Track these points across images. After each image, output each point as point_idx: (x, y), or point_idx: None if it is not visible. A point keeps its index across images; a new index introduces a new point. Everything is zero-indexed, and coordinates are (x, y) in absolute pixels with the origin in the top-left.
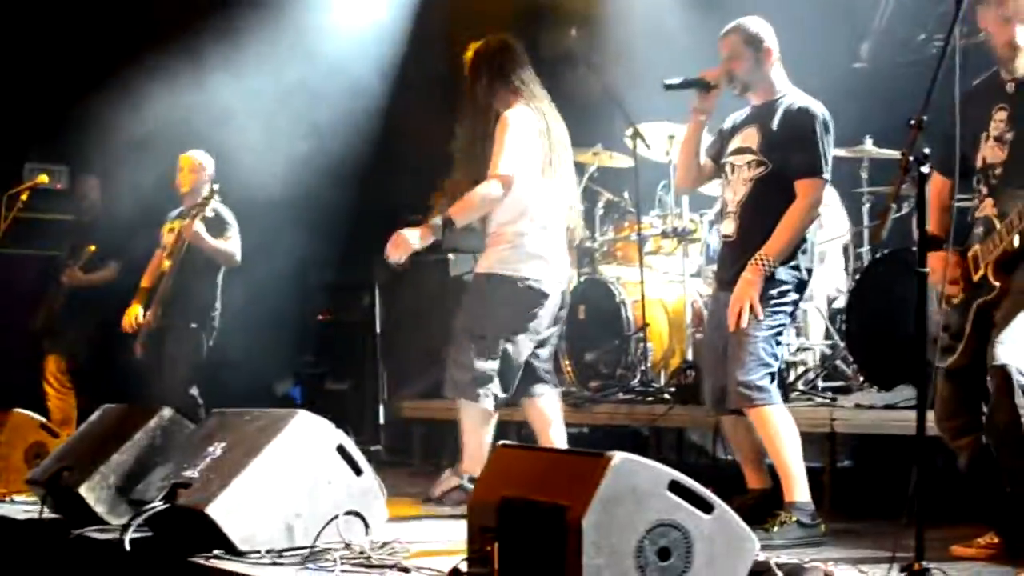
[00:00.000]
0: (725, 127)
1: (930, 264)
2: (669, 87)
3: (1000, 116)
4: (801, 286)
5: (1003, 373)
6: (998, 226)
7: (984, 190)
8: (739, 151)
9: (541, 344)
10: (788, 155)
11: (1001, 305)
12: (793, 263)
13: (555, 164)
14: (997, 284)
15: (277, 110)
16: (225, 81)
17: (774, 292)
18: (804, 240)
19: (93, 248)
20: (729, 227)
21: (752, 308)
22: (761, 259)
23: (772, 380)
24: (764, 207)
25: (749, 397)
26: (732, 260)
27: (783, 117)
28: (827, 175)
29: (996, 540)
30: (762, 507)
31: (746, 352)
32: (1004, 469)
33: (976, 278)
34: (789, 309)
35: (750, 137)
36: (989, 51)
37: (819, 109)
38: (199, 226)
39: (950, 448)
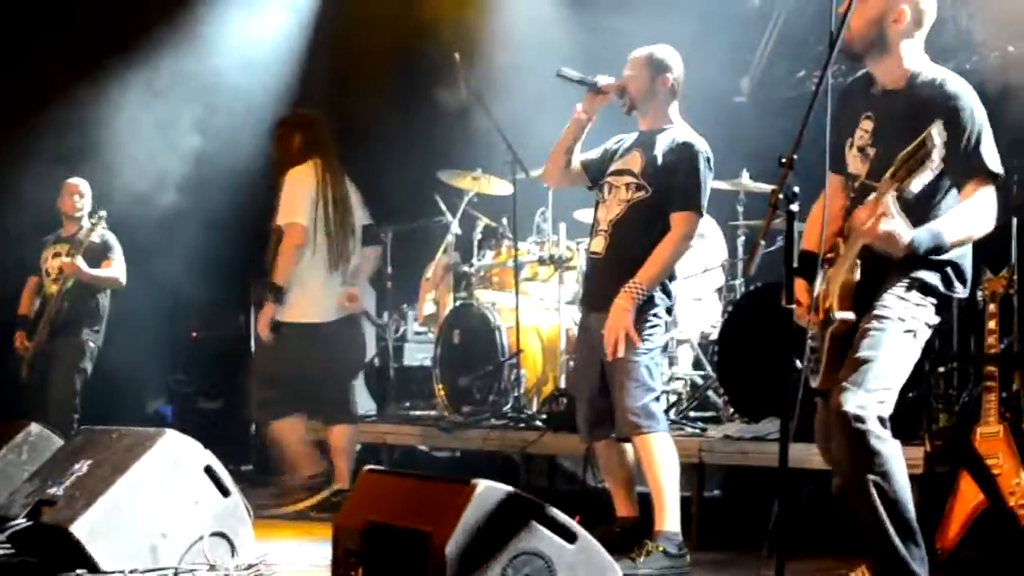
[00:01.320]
0: (609, 146)
1: (797, 296)
2: (561, 76)
3: (865, 125)
4: (669, 312)
5: (844, 418)
6: (842, 249)
7: (847, 200)
8: (619, 172)
9: None
10: (668, 185)
11: (847, 338)
12: (663, 289)
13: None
14: (839, 317)
15: (160, 126)
16: (111, 96)
17: (648, 315)
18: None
19: None
20: (599, 244)
21: (628, 335)
22: (634, 287)
23: (658, 403)
24: (636, 229)
25: (638, 425)
26: (598, 278)
27: (668, 147)
28: (703, 210)
29: (868, 574)
30: (630, 535)
31: (630, 378)
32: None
33: (826, 306)
34: (662, 330)
35: (632, 161)
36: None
37: (703, 146)
38: (80, 262)
39: (827, 472)
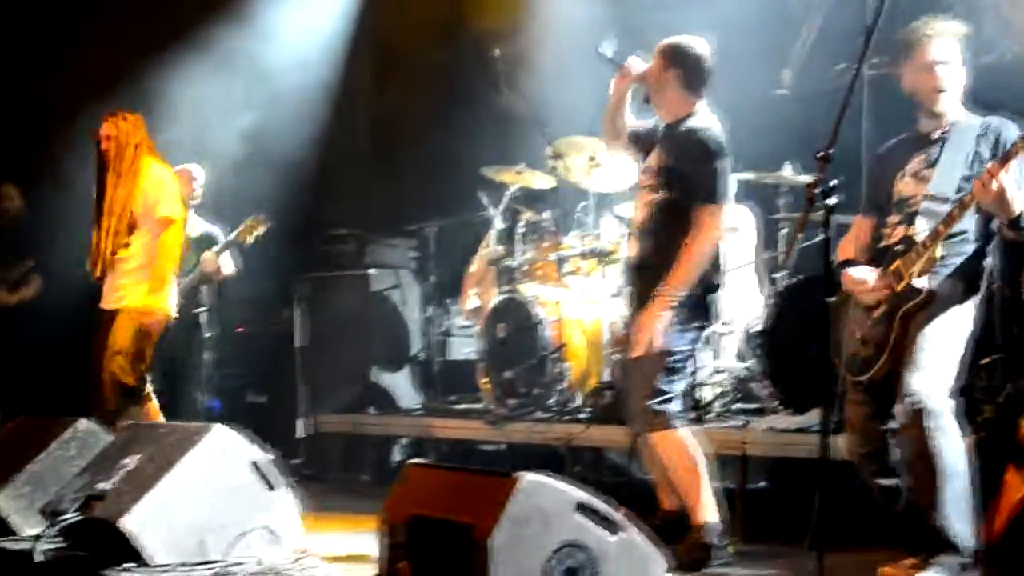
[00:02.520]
0: (655, 126)
1: (857, 278)
2: (600, 53)
3: (920, 157)
4: (708, 313)
5: (915, 401)
6: (918, 241)
7: (897, 219)
8: (646, 171)
9: None
10: (683, 182)
11: (918, 315)
12: (697, 289)
13: None
14: (923, 287)
15: (211, 119)
16: (155, 87)
17: (680, 319)
18: (714, 272)
19: (31, 263)
20: (632, 249)
21: (653, 340)
22: (665, 291)
23: (671, 404)
24: (660, 233)
25: (650, 422)
26: (636, 281)
27: (679, 143)
28: (724, 200)
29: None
30: (674, 527)
31: (647, 377)
32: (909, 484)
33: (899, 288)
34: (693, 335)
35: (653, 159)
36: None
37: (714, 131)
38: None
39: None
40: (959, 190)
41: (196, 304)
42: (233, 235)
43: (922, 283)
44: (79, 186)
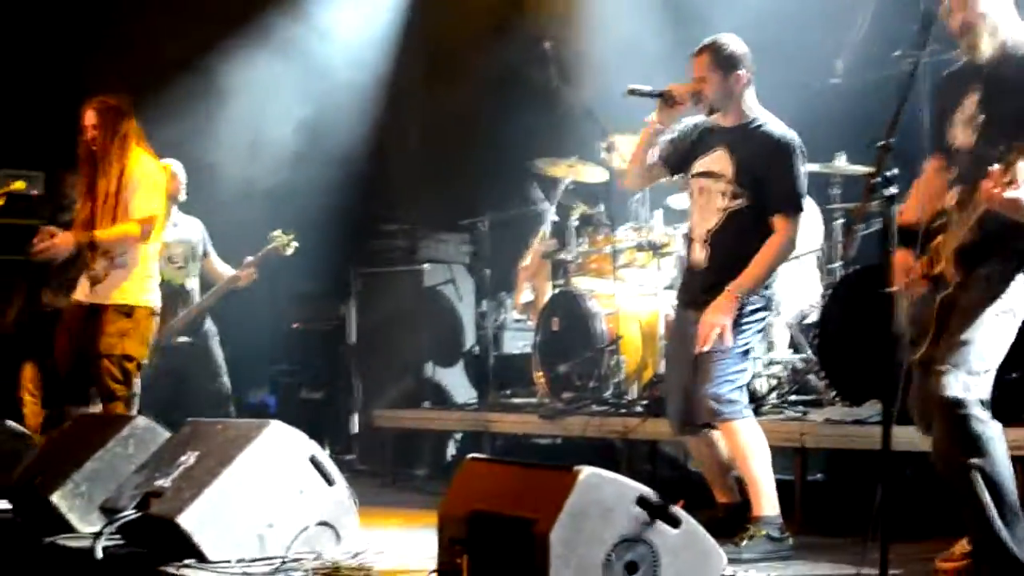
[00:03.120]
0: (685, 133)
1: (898, 267)
2: (633, 93)
3: (972, 98)
4: (768, 303)
5: (945, 402)
6: (955, 217)
7: (952, 174)
8: (709, 175)
9: None
10: (765, 189)
11: (958, 304)
12: (765, 286)
13: None
14: (955, 279)
15: (266, 111)
16: (211, 78)
17: (744, 311)
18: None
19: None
20: (700, 255)
21: (722, 335)
22: (736, 288)
23: (741, 393)
24: (739, 240)
25: (718, 411)
26: (700, 283)
27: (760, 148)
28: (804, 207)
29: (971, 548)
30: (732, 521)
31: (714, 369)
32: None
33: (936, 271)
34: (758, 327)
35: (721, 162)
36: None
37: (795, 139)
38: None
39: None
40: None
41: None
42: (270, 247)
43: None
44: None
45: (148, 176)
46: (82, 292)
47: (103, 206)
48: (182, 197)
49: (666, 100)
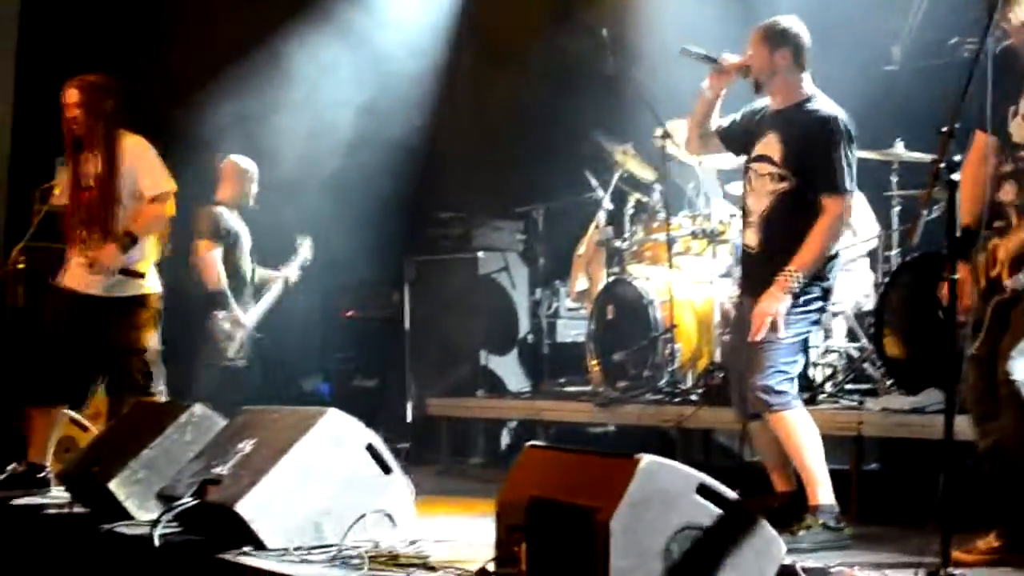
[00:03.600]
0: (745, 116)
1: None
2: (685, 53)
3: None
4: (826, 293)
5: (1014, 387)
6: (1013, 219)
7: (1007, 169)
8: (760, 159)
9: None
10: (811, 171)
11: (1018, 305)
12: (819, 273)
13: None
14: (1008, 284)
15: (325, 96)
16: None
17: (800, 301)
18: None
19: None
20: (752, 238)
21: (775, 323)
22: (788, 274)
23: (791, 384)
24: (788, 222)
25: (767, 402)
26: (755, 269)
27: (804, 130)
28: (852, 187)
29: (996, 544)
30: (788, 510)
31: (765, 359)
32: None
33: (993, 274)
34: (814, 317)
35: (771, 146)
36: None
37: (841, 119)
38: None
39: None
40: None
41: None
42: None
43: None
44: (203, 161)
45: (144, 153)
46: (87, 283)
47: (95, 195)
48: (253, 194)
49: (715, 67)
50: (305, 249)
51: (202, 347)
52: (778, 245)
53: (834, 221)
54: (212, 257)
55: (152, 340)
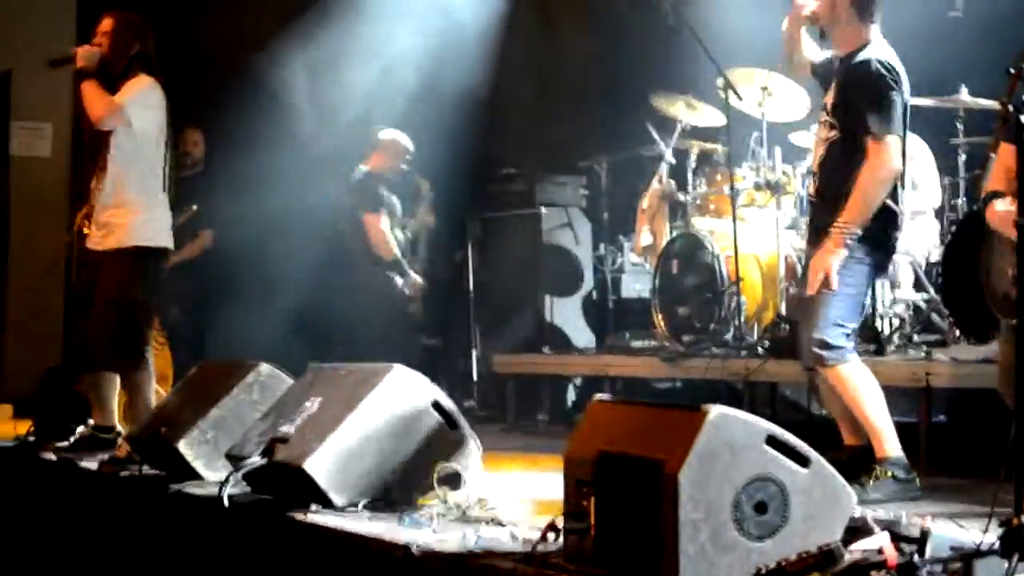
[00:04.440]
0: (835, 56)
1: (1002, 213)
2: None
3: None
4: (887, 247)
5: None
6: None
7: None
8: (824, 107)
9: None
10: (855, 116)
11: None
12: (879, 227)
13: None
14: None
15: (386, 55)
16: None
17: (856, 254)
18: (892, 205)
19: (195, 208)
20: (811, 187)
21: (830, 279)
22: (840, 227)
23: (847, 338)
24: (837, 170)
25: (822, 357)
26: (816, 218)
27: (851, 76)
28: (897, 131)
29: None
30: (856, 463)
31: (819, 313)
32: None
33: None
34: (867, 270)
35: (831, 94)
36: None
37: (881, 60)
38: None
39: None
40: None
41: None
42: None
43: None
44: (241, 137)
45: (134, 85)
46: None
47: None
48: (402, 168)
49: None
50: (427, 191)
51: (388, 315)
52: (831, 193)
53: (877, 166)
54: (383, 227)
55: (126, 293)
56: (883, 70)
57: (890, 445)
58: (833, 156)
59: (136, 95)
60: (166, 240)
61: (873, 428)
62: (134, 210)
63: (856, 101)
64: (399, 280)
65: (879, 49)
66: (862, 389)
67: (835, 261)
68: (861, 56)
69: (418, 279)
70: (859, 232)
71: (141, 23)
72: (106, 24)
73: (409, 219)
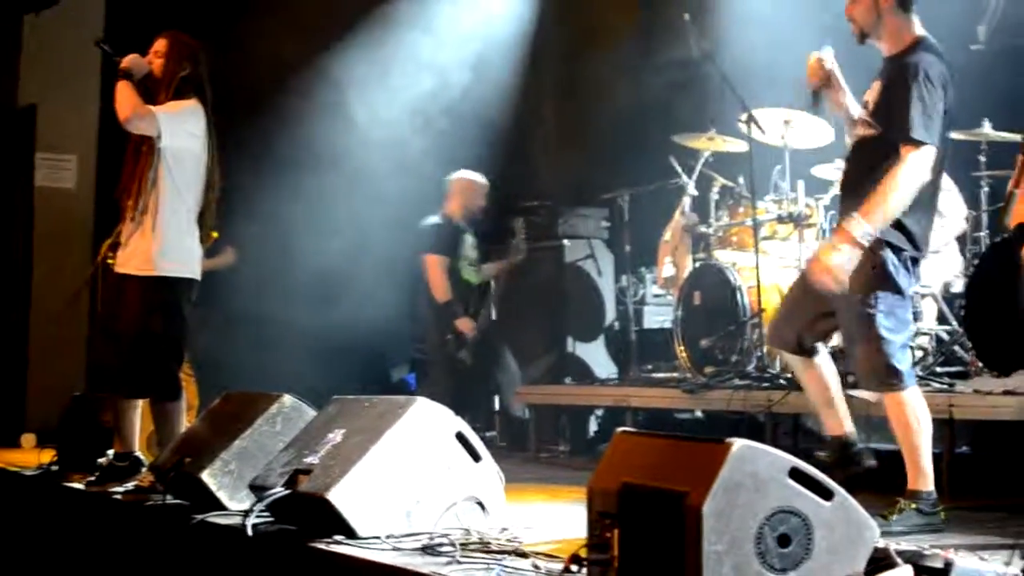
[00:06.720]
0: None
1: None
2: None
3: None
4: (914, 258)
5: None
6: None
7: None
8: (864, 106)
9: None
10: (890, 115)
11: None
12: (907, 234)
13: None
14: None
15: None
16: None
17: (886, 264)
18: (917, 220)
19: (215, 235)
20: (840, 181)
21: (836, 275)
22: (852, 219)
23: (905, 356)
24: (861, 168)
25: (887, 383)
26: (842, 214)
27: (897, 76)
28: (934, 141)
29: None
30: (843, 457)
31: (869, 333)
32: None
33: None
34: (901, 277)
35: (872, 92)
36: None
37: (930, 63)
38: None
39: None
40: None
41: None
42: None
43: None
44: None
45: (185, 107)
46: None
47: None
48: (480, 207)
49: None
50: (520, 230)
51: (443, 355)
52: (848, 189)
53: (907, 170)
54: (439, 269)
55: (148, 326)
56: (922, 73)
57: (924, 480)
58: (858, 155)
59: (176, 112)
60: (191, 270)
61: (916, 460)
62: (158, 236)
63: (893, 100)
64: (454, 323)
65: (928, 53)
66: (919, 419)
67: (839, 258)
68: (911, 58)
69: (467, 321)
70: (874, 234)
71: (196, 47)
72: (160, 44)
73: (482, 266)
